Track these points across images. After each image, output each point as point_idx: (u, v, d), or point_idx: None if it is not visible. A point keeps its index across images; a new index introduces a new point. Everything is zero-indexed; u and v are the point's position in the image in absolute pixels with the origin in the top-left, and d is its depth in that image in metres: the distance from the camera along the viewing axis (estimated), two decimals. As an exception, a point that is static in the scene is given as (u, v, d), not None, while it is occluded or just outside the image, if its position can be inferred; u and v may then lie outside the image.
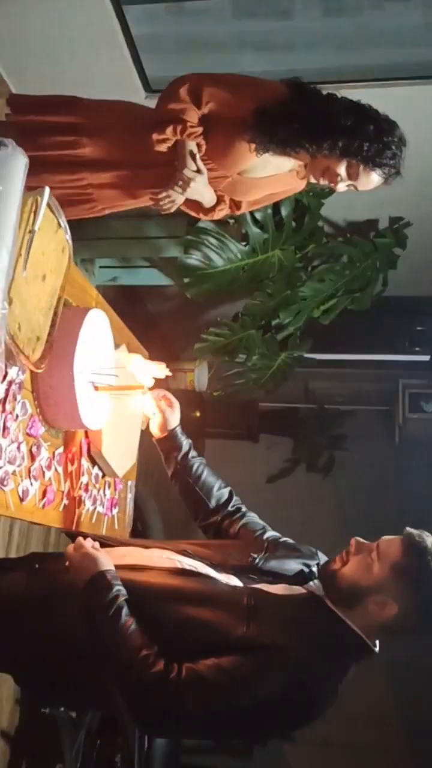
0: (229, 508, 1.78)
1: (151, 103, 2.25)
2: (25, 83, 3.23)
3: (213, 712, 1.34)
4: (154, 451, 1.94)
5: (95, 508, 1.99)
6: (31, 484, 1.61)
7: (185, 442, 1.86)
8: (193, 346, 4.04)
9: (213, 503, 1.79)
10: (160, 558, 1.57)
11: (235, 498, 1.81)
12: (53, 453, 1.72)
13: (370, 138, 1.82)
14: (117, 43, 3.06)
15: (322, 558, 1.63)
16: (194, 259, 3.61)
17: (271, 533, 1.73)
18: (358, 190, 1.93)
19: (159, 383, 1.93)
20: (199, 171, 1.93)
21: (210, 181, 2.02)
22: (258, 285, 3.82)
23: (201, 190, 1.99)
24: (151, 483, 4.60)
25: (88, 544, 1.53)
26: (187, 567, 1.54)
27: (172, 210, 2.04)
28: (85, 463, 1.93)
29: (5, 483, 1.50)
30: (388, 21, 3.08)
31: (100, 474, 2.03)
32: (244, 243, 3.65)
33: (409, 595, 1.39)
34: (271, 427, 6.27)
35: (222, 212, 2.18)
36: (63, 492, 1.78)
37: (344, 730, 3.77)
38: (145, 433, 2.24)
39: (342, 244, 3.95)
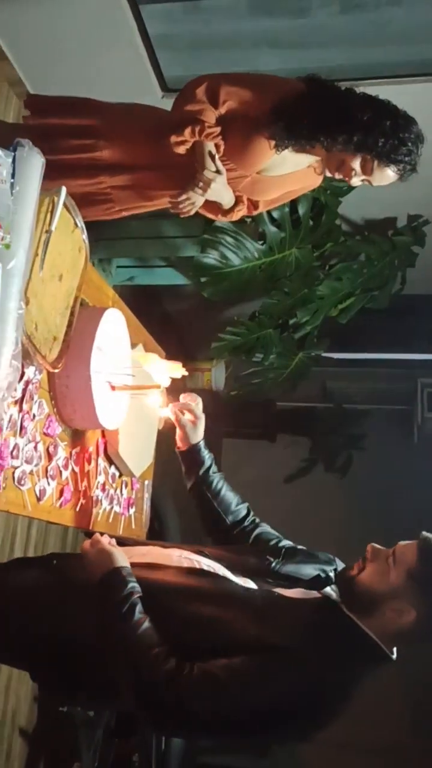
0: (246, 523, 1.79)
1: (168, 102, 2.24)
2: (42, 83, 3.24)
3: (223, 712, 1.33)
4: (168, 451, 1.94)
5: (112, 508, 1.99)
6: (48, 483, 1.62)
7: (207, 458, 1.85)
8: (209, 345, 4.03)
9: (230, 519, 1.79)
10: (179, 557, 1.57)
11: (251, 515, 1.81)
12: (70, 452, 1.73)
13: (386, 133, 1.81)
14: (133, 43, 3.06)
15: (340, 564, 1.62)
16: (211, 258, 3.60)
17: (286, 542, 1.74)
18: (373, 185, 1.92)
19: (175, 383, 1.92)
20: (218, 171, 1.92)
21: (229, 182, 2.02)
22: (275, 284, 3.80)
23: (220, 190, 1.98)
24: (168, 482, 4.61)
25: (105, 540, 1.54)
26: (205, 567, 1.53)
27: (192, 213, 2.03)
28: (102, 462, 1.93)
29: (22, 482, 1.51)
30: (406, 17, 3.05)
31: (117, 473, 2.03)
32: (261, 242, 3.64)
33: (427, 601, 1.37)
34: (288, 427, 6.25)
35: (240, 213, 2.17)
36: (80, 491, 1.78)
37: (361, 731, 3.75)
38: (162, 433, 2.24)
39: (360, 243, 3.92)
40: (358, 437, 6.01)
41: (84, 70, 3.20)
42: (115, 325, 1.82)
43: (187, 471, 1.86)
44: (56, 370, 1.56)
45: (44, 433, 1.61)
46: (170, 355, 2.14)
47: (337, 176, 1.93)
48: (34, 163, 1.40)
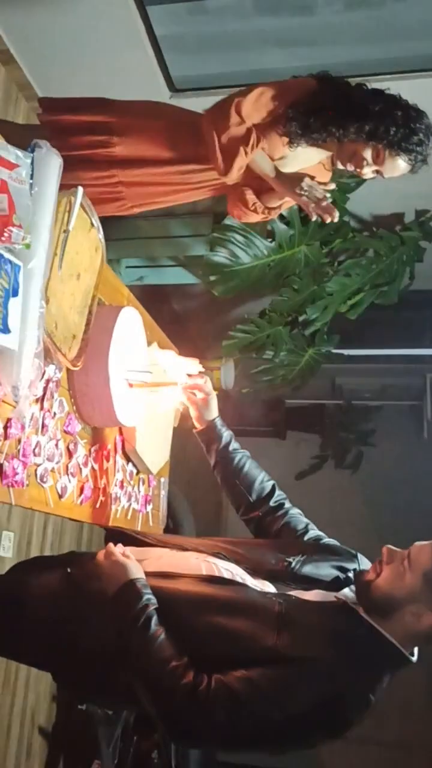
0: (271, 504, 1.74)
1: (176, 102, 2.27)
2: (50, 86, 3.26)
3: (242, 725, 1.31)
4: (185, 448, 1.94)
5: (130, 505, 2.01)
6: (69, 481, 1.64)
7: (225, 434, 1.84)
8: (219, 344, 4.05)
9: (254, 497, 1.75)
10: (196, 562, 1.54)
11: (278, 493, 1.77)
12: (89, 450, 1.75)
13: (398, 123, 1.83)
14: (141, 44, 3.08)
15: (363, 561, 1.59)
16: (221, 256, 3.62)
17: (312, 533, 1.69)
18: (384, 177, 1.93)
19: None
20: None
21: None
22: (284, 281, 3.81)
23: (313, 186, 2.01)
24: (180, 481, 4.63)
25: (119, 551, 1.52)
26: (223, 573, 1.50)
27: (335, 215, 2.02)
28: (120, 460, 1.95)
29: (45, 480, 1.53)
30: (410, 13, 3.05)
31: (135, 471, 2.05)
32: (270, 239, 3.65)
33: None
34: (298, 424, 6.24)
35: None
36: (99, 489, 1.80)
37: (380, 727, 3.76)
38: (177, 431, 2.26)
39: (368, 239, 3.93)
40: (368, 433, 6.01)
41: (92, 72, 3.22)
42: (131, 324, 1.84)
43: (208, 450, 1.85)
44: (76, 368, 1.58)
45: (64, 431, 1.63)
46: (181, 354, 2.16)
47: (349, 168, 1.94)
48: (52, 163, 1.42)
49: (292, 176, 2.02)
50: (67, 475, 1.63)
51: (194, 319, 5.20)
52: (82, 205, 1.56)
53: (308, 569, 1.54)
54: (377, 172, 1.92)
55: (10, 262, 1.30)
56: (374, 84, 1.95)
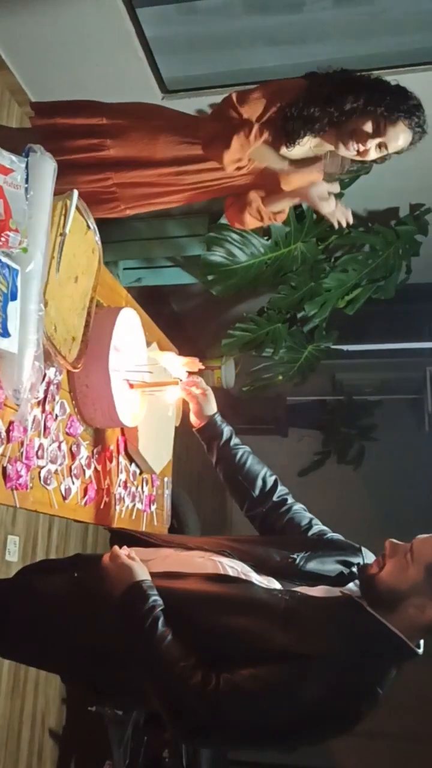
0: (275, 499, 1.74)
1: (168, 103, 2.28)
2: (42, 91, 3.27)
3: (251, 723, 1.32)
4: (188, 448, 1.95)
5: (134, 505, 2.02)
6: (73, 482, 1.65)
7: (226, 430, 1.84)
8: (219, 343, 4.06)
9: (257, 492, 1.75)
10: (201, 561, 1.55)
11: (280, 488, 1.76)
12: (92, 451, 1.76)
13: (391, 90, 1.85)
14: (132, 46, 3.09)
15: (367, 555, 1.59)
16: (218, 255, 3.63)
17: (316, 528, 1.69)
18: (389, 149, 1.92)
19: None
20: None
21: (233, 178, 2.06)
22: (282, 278, 3.82)
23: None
24: (184, 480, 4.64)
25: (124, 553, 1.52)
26: (228, 571, 1.50)
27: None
28: (123, 460, 1.96)
29: (48, 482, 1.54)
30: (400, 7, 3.06)
31: (138, 471, 2.06)
32: (266, 237, 3.66)
33: None
34: (299, 421, 6.27)
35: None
36: (103, 490, 1.81)
37: (390, 721, 3.77)
38: (180, 430, 2.27)
39: (364, 234, 3.94)
40: (369, 428, 6.03)
41: (84, 75, 3.22)
42: (130, 324, 1.85)
43: (209, 447, 1.84)
44: (77, 370, 1.59)
45: (67, 433, 1.64)
46: (181, 354, 2.17)
47: (353, 147, 1.91)
48: (47, 167, 1.43)
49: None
50: (71, 476, 1.64)
51: (193, 318, 5.21)
52: (77, 208, 1.57)
53: (313, 565, 1.54)
54: (381, 146, 1.90)
55: (8, 266, 1.31)
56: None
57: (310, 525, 1.70)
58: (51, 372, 1.55)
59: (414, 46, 3.16)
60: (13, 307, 1.31)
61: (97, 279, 1.69)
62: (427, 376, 5.65)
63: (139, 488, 2.07)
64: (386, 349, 5.46)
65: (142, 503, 2.08)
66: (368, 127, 1.87)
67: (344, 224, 2.22)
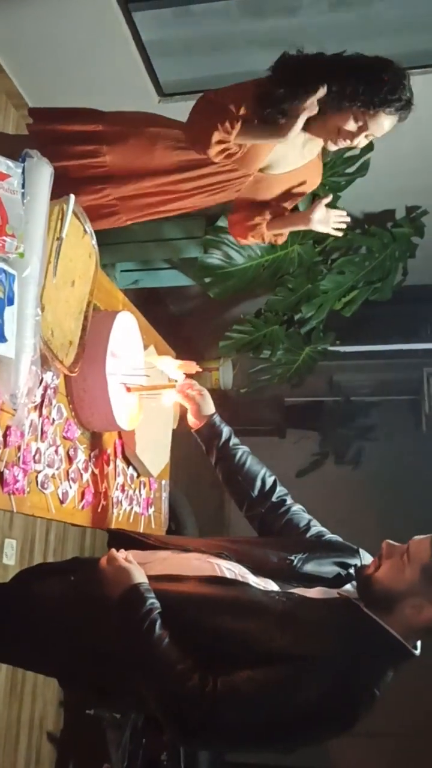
0: (274, 500, 1.73)
1: (165, 107, 2.29)
2: (39, 95, 3.28)
3: (249, 725, 1.32)
4: (186, 450, 1.95)
5: (132, 508, 2.03)
6: (70, 486, 1.65)
7: (225, 430, 1.83)
8: (216, 345, 4.06)
9: (256, 493, 1.74)
10: (199, 563, 1.55)
11: (279, 489, 1.76)
12: (89, 455, 1.76)
13: (362, 80, 1.80)
14: (128, 50, 3.09)
15: (365, 556, 1.59)
16: (215, 258, 3.64)
17: (315, 530, 1.69)
18: (377, 136, 1.91)
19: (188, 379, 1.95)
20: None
21: (232, 182, 2.06)
22: (279, 280, 3.83)
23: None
24: (182, 483, 4.64)
25: (121, 556, 1.52)
26: (225, 573, 1.51)
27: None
28: (120, 464, 1.97)
29: (45, 486, 1.54)
30: (395, 10, 3.07)
31: (135, 474, 2.06)
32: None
33: None
34: (297, 422, 6.27)
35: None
36: (100, 493, 1.81)
37: (388, 721, 3.77)
38: (177, 433, 2.28)
39: (360, 236, 3.95)
40: (367, 429, 6.04)
41: (81, 79, 3.23)
42: (127, 328, 1.86)
43: (207, 448, 1.83)
44: (74, 374, 1.59)
45: (64, 437, 1.64)
46: (178, 357, 2.17)
47: (341, 143, 1.92)
48: (43, 172, 1.44)
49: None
50: (68, 480, 1.64)
51: (191, 320, 5.22)
52: (74, 212, 1.58)
53: (310, 567, 1.54)
54: (368, 135, 1.90)
55: (5, 271, 1.32)
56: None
57: (308, 526, 1.70)
58: (48, 376, 1.55)
59: (410, 48, 3.17)
60: (9, 312, 1.31)
61: (94, 283, 1.70)
62: (425, 377, 5.65)
63: (137, 491, 2.07)
64: (384, 350, 5.47)
65: (139, 506, 2.08)
66: (351, 125, 1.87)
67: (343, 227, 2.22)
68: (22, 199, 1.38)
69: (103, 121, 2.04)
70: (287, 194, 2.19)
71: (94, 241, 1.68)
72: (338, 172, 3.58)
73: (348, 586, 1.51)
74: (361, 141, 1.91)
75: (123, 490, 1.97)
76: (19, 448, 1.44)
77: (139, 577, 1.46)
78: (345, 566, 1.56)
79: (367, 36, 3.17)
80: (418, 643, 1.41)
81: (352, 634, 1.37)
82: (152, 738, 3.43)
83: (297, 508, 1.75)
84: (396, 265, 4.03)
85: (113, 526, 1.89)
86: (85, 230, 1.64)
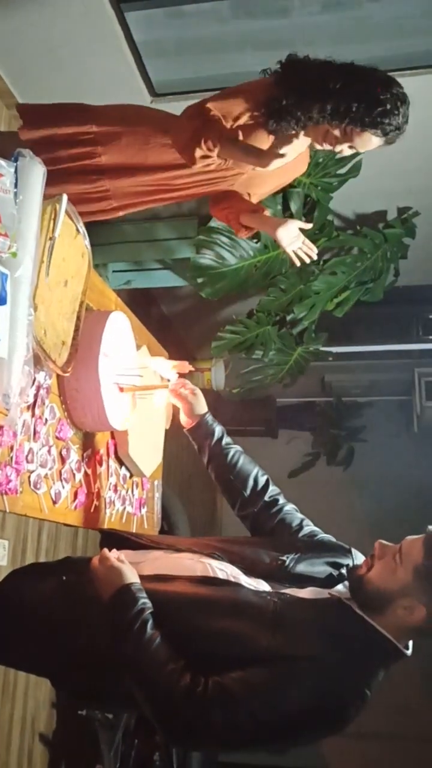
0: (266, 499, 1.73)
1: (157, 107, 2.29)
2: (30, 95, 3.26)
3: (240, 725, 1.31)
4: (178, 450, 1.95)
5: (125, 508, 2.03)
6: (63, 486, 1.65)
7: (217, 429, 1.83)
8: (208, 345, 4.06)
9: (248, 492, 1.74)
10: (191, 563, 1.55)
11: (272, 488, 1.76)
12: (82, 455, 1.76)
13: (359, 98, 1.80)
14: (120, 50, 3.09)
15: (357, 556, 1.59)
16: (207, 258, 3.64)
17: (307, 530, 1.69)
18: (360, 151, 1.93)
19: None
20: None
21: (227, 179, 2.08)
22: (271, 281, 3.83)
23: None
24: (175, 483, 4.64)
25: (113, 556, 1.52)
26: (218, 573, 1.51)
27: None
28: (113, 464, 1.96)
29: (38, 486, 1.54)
30: (387, 12, 3.08)
31: (128, 474, 2.06)
32: (255, 240, 3.67)
33: None
34: (289, 422, 6.29)
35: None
36: (93, 493, 1.81)
37: (379, 721, 3.78)
38: (169, 433, 2.28)
39: (352, 237, 3.96)
40: (358, 429, 6.06)
41: (72, 79, 3.22)
42: (120, 328, 1.85)
43: (200, 447, 1.83)
44: (66, 374, 1.59)
45: (56, 437, 1.64)
46: (171, 357, 2.17)
47: (326, 147, 1.94)
48: (36, 171, 1.43)
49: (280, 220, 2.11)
50: (61, 480, 1.64)
51: (184, 320, 5.22)
52: (67, 212, 1.57)
53: (302, 567, 1.54)
54: (352, 147, 1.92)
55: (-2, 271, 1.31)
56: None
57: (301, 526, 1.70)
58: (41, 376, 1.55)
59: (401, 51, 3.18)
60: (2, 312, 1.31)
61: (86, 283, 1.69)
62: (416, 378, 5.68)
63: (130, 491, 2.07)
64: (375, 351, 5.49)
65: (132, 506, 2.08)
66: (337, 132, 1.88)
67: (307, 261, 2.22)
68: (14, 199, 1.38)
69: (95, 121, 2.04)
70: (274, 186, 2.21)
71: (87, 241, 1.68)
72: (330, 172, 3.59)
73: (340, 587, 1.51)
74: (344, 150, 1.93)
75: (116, 491, 1.96)
76: (11, 448, 1.44)
77: (131, 577, 1.46)
78: (337, 566, 1.56)
79: (358, 38, 3.19)
80: (410, 644, 1.41)
81: (342, 635, 1.37)
82: (145, 739, 3.43)
83: (290, 507, 1.75)
84: (387, 266, 4.04)
85: (106, 526, 1.89)
86: (77, 230, 1.64)
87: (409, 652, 1.39)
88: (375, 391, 6.11)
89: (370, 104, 1.81)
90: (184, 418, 1.87)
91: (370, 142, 1.88)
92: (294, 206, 3.62)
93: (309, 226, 2.21)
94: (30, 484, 1.52)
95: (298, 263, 2.21)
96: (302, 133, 1.96)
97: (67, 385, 1.68)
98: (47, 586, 1.64)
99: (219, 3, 3.01)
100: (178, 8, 3.04)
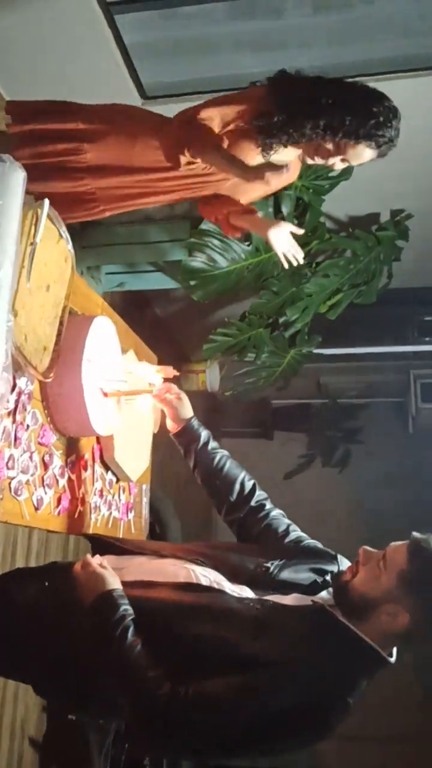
0: (252, 504, 1.72)
1: (148, 109, 2.28)
2: (20, 95, 3.24)
3: (221, 732, 1.31)
4: (169, 453, 1.94)
5: (111, 513, 2.01)
6: (45, 492, 1.64)
7: (203, 433, 1.81)
8: (202, 347, 4.05)
9: (234, 497, 1.73)
10: (174, 569, 1.54)
11: (258, 493, 1.74)
12: (66, 461, 1.75)
13: (352, 111, 1.83)
14: (110, 53, 3.08)
15: (343, 562, 1.59)
16: (199, 261, 3.63)
17: (293, 535, 1.68)
18: (353, 164, 1.94)
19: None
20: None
21: (212, 183, 2.07)
22: (263, 284, 3.82)
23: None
24: (168, 486, 4.62)
25: (95, 562, 1.52)
26: (201, 580, 1.50)
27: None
28: (99, 469, 1.95)
29: (19, 493, 1.53)
30: (380, 13, 3.07)
31: (114, 479, 2.05)
32: (247, 243, 3.66)
33: (419, 603, 1.35)
34: (285, 424, 6.28)
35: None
36: (78, 499, 1.79)
37: (373, 723, 3.77)
38: (158, 436, 2.26)
39: (345, 239, 3.95)
40: (354, 431, 6.05)
41: (61, 80, 3.20)
42: (104, 333, 1.84)
43: (186, 451, 1.82)
44: (48, 380, 1.57)
45: (39, 443, 1.62)
46: (163, 359, 2.17)
47: (318, 161, 1.95)
48: (16, 176, 1.42)
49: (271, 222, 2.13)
50: (43, 486, 1.63)
51: (177, 323, 5.21)
52: (49, 217, 1.56)
53: (287, 574, 1.54)
54: (345, 160, 1.93)
55: (-25, 276, 1.30)
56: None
57: (287, 531, 1.69)
58: (22, 382, 1.54)
59: (393, 53, 3.18)
60: (-20, 318, 1.30)
61: (70, 287, 1.68)
62: (411, 379, 5.67)
63: (116, 496, 2.06)
64: (370, 352, 5.48)
65: (119, 511, 2.07)
66: (330, 146, 1.88)
67: (294, 264, 2.22)
68: (-6, 204, 1.37)
69: (83, 119, 2.04)
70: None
71: (70, 246, 1.67)
72: (322, 175, 3.58)
73: (324, 593, 1.50)
74: (336, 163, 1.93)
75: (101, 496, 1.95)
76: (-9, 454, 1.43)
77: (113, 583, 1.46)
78: (322, 573, 1.56)
79: (351, 40, 3.18)
80: (394, 650, 1.41)
81: (324, 642, 1.36)
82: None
83: (276, 513, 1.73)
84: (380, 269, 4.03)
85: (91, 531, 1.88)
86: (60, 234, 1.63)
87: (392, 659, 1.39)
88: (371, 393, 6.10)
89: (363, 117, 1.83)
90: (169, 423, 1.87)
91: (363, 154, 1.90)
92: (286, 209, 3.60)
93: (301, 231, 2.21)
94: (11, 491, 1.50)
95: (286, 265, 2.21)
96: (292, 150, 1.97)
97: (49, 390, 1.66)
98: (32, 591, 1.63)
99: (211, 5, 3.00)
100: (170, 10, 3.03)
